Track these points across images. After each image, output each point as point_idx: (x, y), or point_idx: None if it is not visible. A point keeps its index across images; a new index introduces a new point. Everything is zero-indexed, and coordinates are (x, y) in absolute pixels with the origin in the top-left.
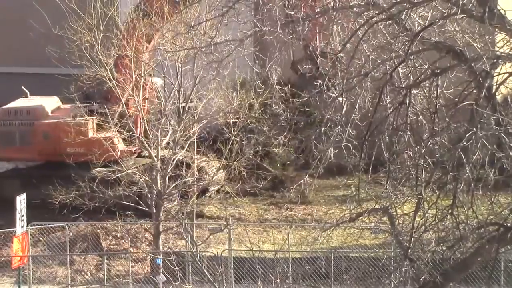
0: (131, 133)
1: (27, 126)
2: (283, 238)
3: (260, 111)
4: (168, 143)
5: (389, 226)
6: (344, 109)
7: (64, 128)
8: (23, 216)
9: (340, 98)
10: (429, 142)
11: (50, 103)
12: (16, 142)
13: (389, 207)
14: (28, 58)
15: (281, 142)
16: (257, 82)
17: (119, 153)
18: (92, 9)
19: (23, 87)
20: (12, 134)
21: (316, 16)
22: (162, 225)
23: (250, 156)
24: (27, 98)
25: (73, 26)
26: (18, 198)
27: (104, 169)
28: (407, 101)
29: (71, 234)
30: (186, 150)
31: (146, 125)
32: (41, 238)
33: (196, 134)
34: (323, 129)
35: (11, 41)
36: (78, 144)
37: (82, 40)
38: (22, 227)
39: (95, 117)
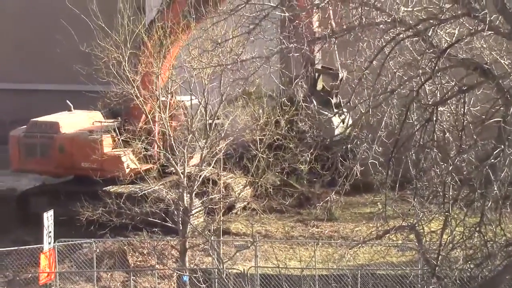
0: (157, 150)
1: (46, 139)
2: (310, 255)
3: (286, 128)
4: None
5: (416, 244)
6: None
7: (78, 143)
8: (50, 232)
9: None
10: (456, 159)
11: (85, 118)
12: (37, 154)
13: (416, 225)
14: (56, 75)
15: (307, 159)
16: (283, 99)
17: (127, 171)
18: (119, 26)
19: (67, 101)
20: (34, 146)
21: (343, 33)
22: (188, 242)
23: (277, 173)
24: (69, 112)
25: (101, 43)
26: (45, 215)
27: (131, 185)
28: (434, 118)
29: (98, 250)
30: (213, 167)
31: (172, 142)
32: (68, 255)
33: (222, 151)
34: (349, 146)
35: (39, 58)
36: (91, 160)
37: (109, 57)
38: (49, 243)
39: (111, 134)
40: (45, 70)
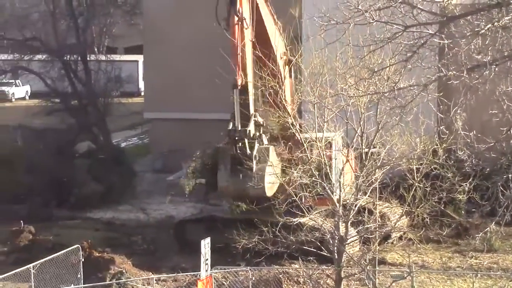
0: (313, 179)
1: None
2: (468, 287)
3: (444, 157)
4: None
5: None
6: None
7: None
8: (207, 260)
9: None
10: None
11: None
12: None
13: None
14: (214, 105)
15: (466, 188)
16: (441, 128)
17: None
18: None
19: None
20: None
21: (504, 60)
22: (344, 271)
23: (434, 203)
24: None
25: (257, 73)
26: (202, 242)
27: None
28: None
29: (253, 278)
30: (369, 196)
31: (328, 170)
32: (224, 282)
33: (378, 180)
34: (510, 175)
35: (199, 88)
36: None
37: (266, 86)
38: (206, 270)
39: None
40: (205, 100)
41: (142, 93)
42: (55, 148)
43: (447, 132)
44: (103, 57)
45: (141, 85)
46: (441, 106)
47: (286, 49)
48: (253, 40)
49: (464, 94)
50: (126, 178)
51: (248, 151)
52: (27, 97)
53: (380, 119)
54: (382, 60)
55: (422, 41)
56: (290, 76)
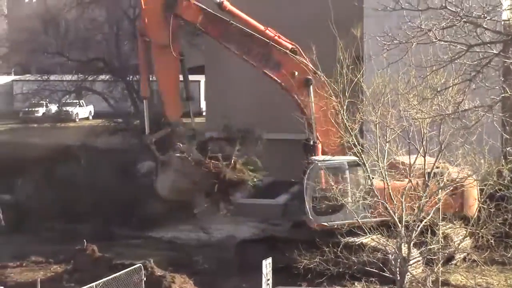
0: (375, 199)
1: None
2: None
3: (509, 178)
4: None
5: None
6: None
7: None
8: (269, 280)
9: None
10: None
11: None
12: None
13: None
14: (279, 124)
15: None
16: (508, 148)
17: None
18: (338, 75)
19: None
20: None
21: None
22: None
23: (498, 224)
24: None
25: (319, 93)
26: (264, 262)
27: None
28: None
29: None
30: (431, 216)
31: (390, 190)
32: None
33: (441, 201)
34: None
35: (268, 108)
36: None
37: (327, 105)
38: None
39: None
40: (268, 119)
41: (204, 113)
42: (117, 167)
43: None
44: None
45: (203, 104)
46: (506, 127)
47: (308, 67)
48: (180, 57)
49: None
50: None
51: (158, 156)
52: (90, 117)
53: (443, 140)
54: (445, 80)
55: (486, 61)
56: (309, 96)
